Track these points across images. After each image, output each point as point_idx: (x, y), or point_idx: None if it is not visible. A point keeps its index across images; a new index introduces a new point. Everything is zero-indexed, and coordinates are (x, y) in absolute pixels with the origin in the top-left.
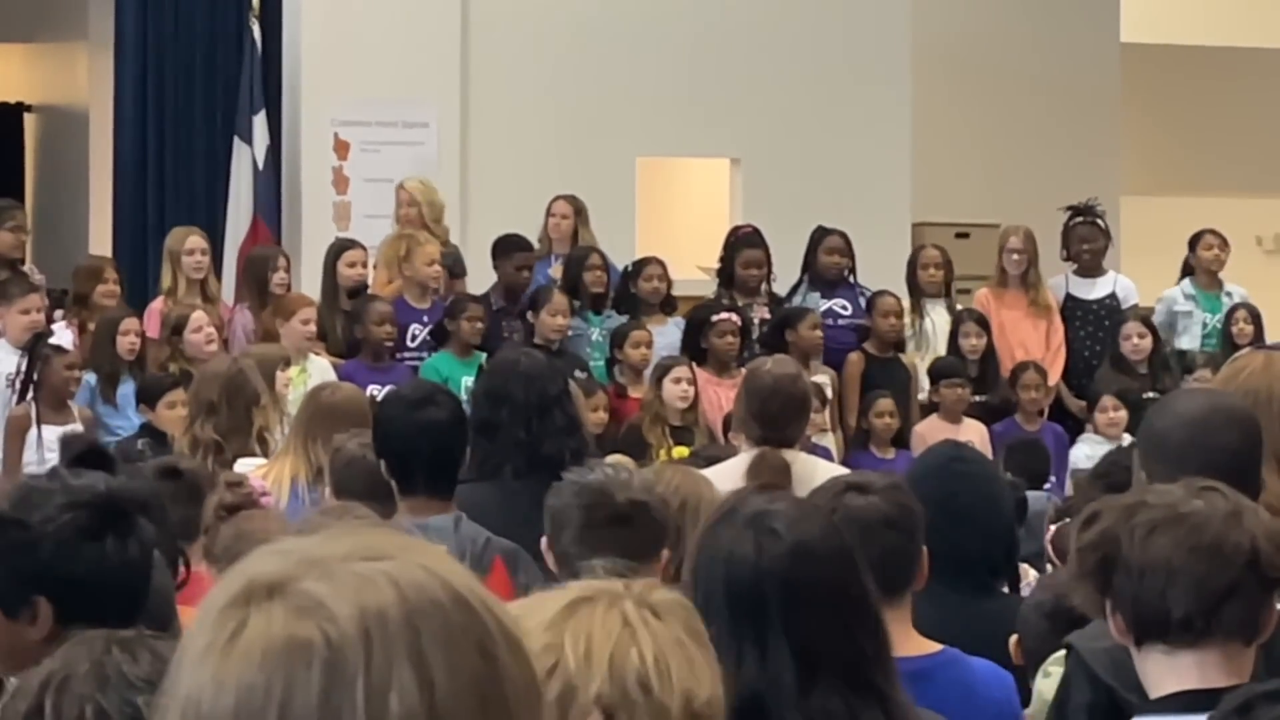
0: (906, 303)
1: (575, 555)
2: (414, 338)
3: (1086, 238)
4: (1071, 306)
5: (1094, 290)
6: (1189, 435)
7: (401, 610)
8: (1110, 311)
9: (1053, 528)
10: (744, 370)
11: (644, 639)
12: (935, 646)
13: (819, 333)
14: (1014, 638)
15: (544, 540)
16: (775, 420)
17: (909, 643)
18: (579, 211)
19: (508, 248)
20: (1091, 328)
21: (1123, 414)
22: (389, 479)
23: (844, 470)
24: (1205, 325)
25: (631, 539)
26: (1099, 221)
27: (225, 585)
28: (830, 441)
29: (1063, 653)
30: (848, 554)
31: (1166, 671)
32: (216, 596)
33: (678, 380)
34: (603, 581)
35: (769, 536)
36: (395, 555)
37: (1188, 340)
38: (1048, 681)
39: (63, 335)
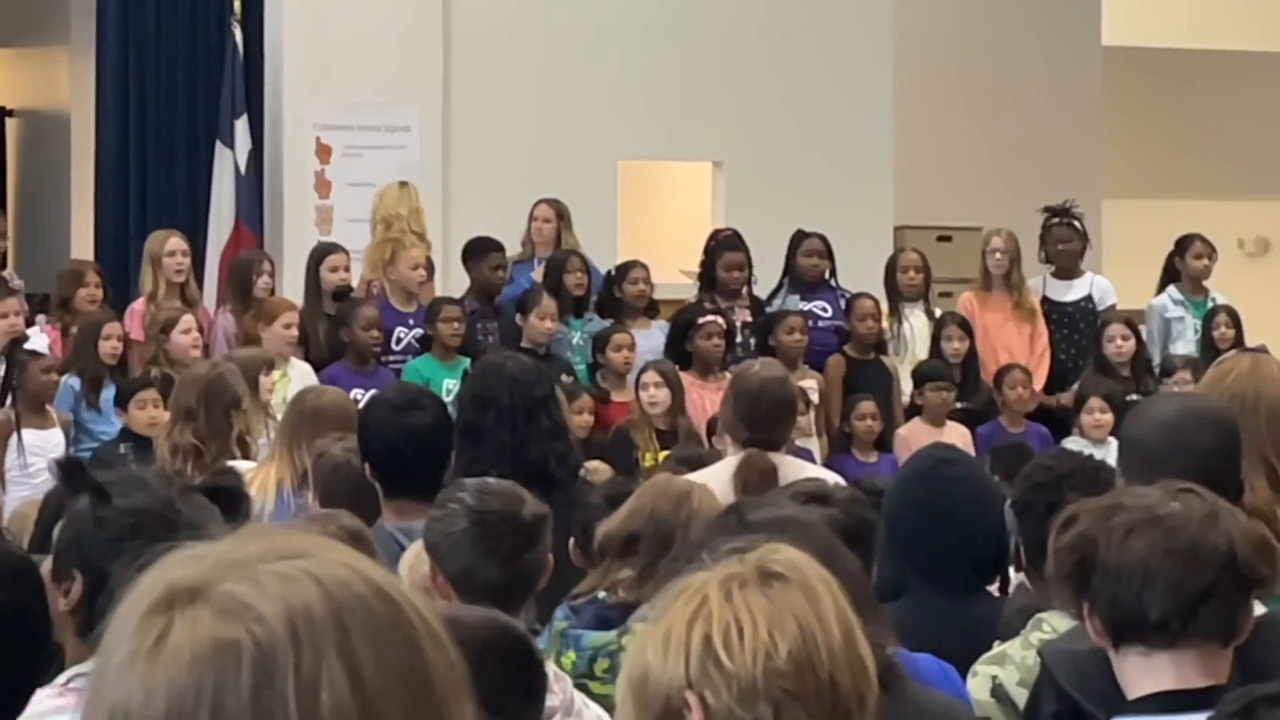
0: (884, 307)
1: (480, 575)
2: (399, 341)
3: (1062, 239)
4: (1048, 309)
5: (1070, 292)
6: (1164, 439)
7: (327, 606)
8: (1086, 314)
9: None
10: (729, 373)
11: (716, 614)
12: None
13: (796, 336)
14: (996, 643)
15: (427, 570)
16: (762, 423)
17: None
18: (561, 215)
19: (480, 249)
20: (1067, 330)
21: (1109, 416)
22: (373, 481)
23: (830, 474)
24: (1197, 330)
25: (535, 555)
26: (1075, 223)
27: (143, 592)
28: (815, 445)
29: (994, 651)
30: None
31: (1144, 672)
32: (135, 603)
33: (645, 386)
34: (709, 568)
35: None
36: (313, 553)
37: (1182, 346)
38: (975, 681)
39: (38, 339)
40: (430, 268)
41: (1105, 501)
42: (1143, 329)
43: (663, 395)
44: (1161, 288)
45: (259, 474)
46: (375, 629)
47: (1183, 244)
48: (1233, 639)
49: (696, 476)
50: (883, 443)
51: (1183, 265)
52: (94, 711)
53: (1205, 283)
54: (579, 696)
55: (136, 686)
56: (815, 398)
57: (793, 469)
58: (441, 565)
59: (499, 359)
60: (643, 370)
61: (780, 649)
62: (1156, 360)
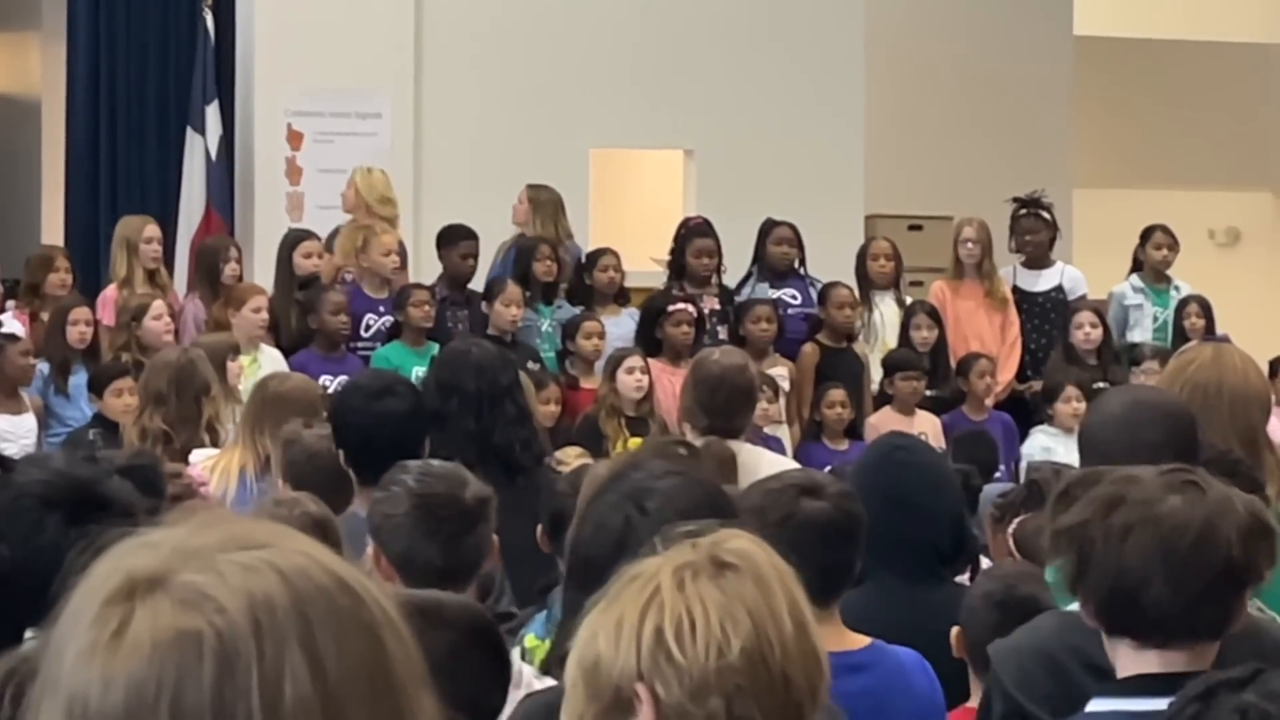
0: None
1: (419, 557)
2: (369, 328)
3: (1030, 229)
4: (1019, 299)
5: (1040, 282)
6: (1116, 433)
7: (289, 597)
8: (1056, 304)
9: (1015, 521)
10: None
11: (668, 605)
12: (864, 640)
13: (763, 325)
14: (955, 630)
15: (369, 551)
16: (722, 410)
17: (842, 639)
18: (534, 201)
19: (452, 237)
20: (1038, 320)
21: (1084, 405)
22: (346, 468)
23: (789, 462)
24: (1156, 319)
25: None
26: (1043, 213)
27: (100, 580)
28: (785, 434)
29: None
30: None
31: (1132, 660)
32: (92, 591)
33: (631, 370)
34: (661, 555)
35: (639, 514)
36: (271, 543)
37: (1139, 334)
38: None
39: (11, 324)
40: (403, 254)
41: (1106, 491)
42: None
43: (647, 381)
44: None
45: (222, 460)
46: (337, 621)
47: (1145, 234)
48: (1224, 633)
49: None
50: (853, 431)
51: (1144, 255)
52: (50, 700)
53: (1169, 272)
54: (528, 671)
55: (96, 678)
56: (786, 385)
57: (752, 457)
58: (384, 548)
59: (464, 346)
60: (621, 357)
61: (733, 643)
62: None
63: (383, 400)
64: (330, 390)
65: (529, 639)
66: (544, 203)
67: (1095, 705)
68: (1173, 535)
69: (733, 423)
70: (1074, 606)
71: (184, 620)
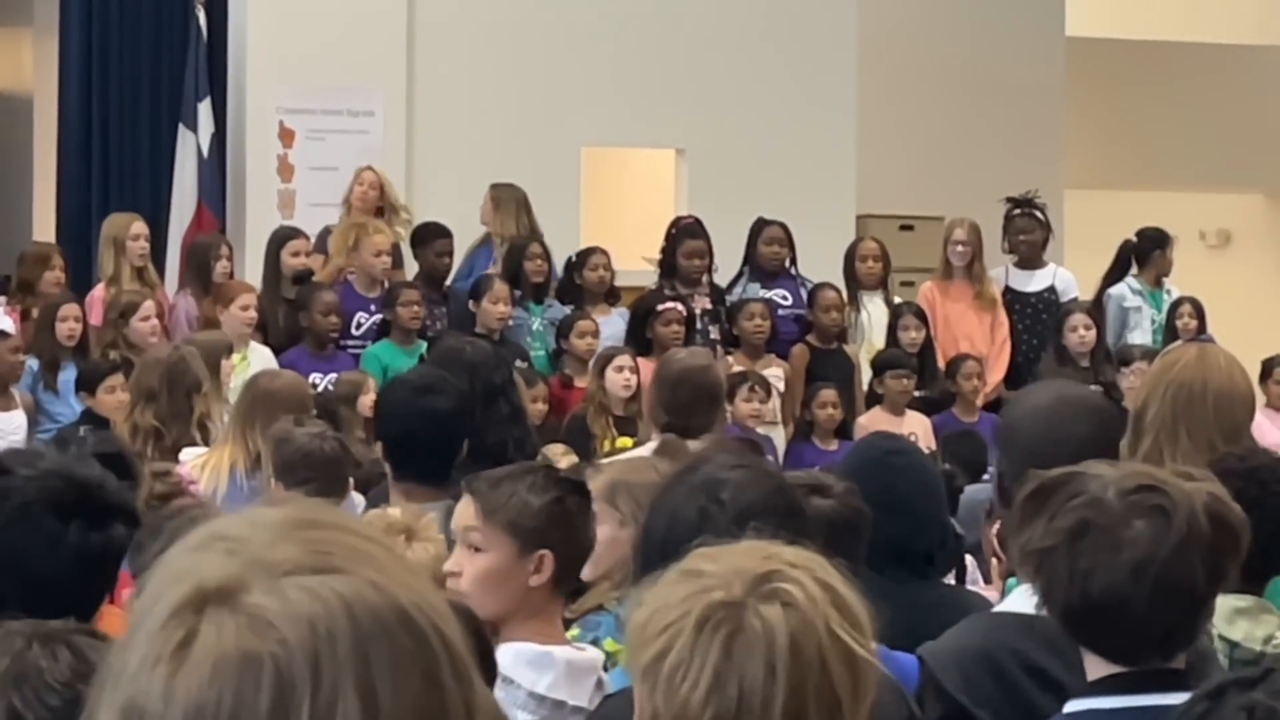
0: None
1: None
2: (359, 326)
3: (1024, 229)
4: (1010, 299)
5: (1032, 283)
6: (1038, 427)
7: (351, 635)
8: (1048, 305)
9: (999, 522)
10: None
11: (679, 643)
12: None
13: (757, 322)
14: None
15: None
16: (681, 410)
17: None
18: (495, 199)
19: (427, 235)
20: (1029, 320)
21: None
22: (385, 462)
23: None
24: (1153, 321)
25: None
26: (1037, 213)
27: (171, 583)
28: (779, 433)
29: None
30: (787, 525)
31: (1103, 665)
32: (163, 595)
33: (620, 369)
34: (722, 563)
35: (714, 505)
36: (346, 568)
37: (1139, 335)
38: None
39: (2, 321)
40: (396, 254)
41: (1070, 519)
42: None
43: (635, 380)
44: (1111, 278)
45: (212, 457)
46: (396, 663)
47: (1160, 239)
48: (1196, 640)
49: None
50: (843, 431)
51: (1159, 260)
52: (109, 700)
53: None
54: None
55: (157, 691)
56: (780, 385)
57: None
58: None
59: (459, 344)
60: (610, 355)
61: (705, 711)
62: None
63: (427, 397)
64: (320, 388)
65: (608, 643)
66: (504, 200)
67: (1071, 706)
68: (1140, 570)
69: (691, 422)
70: (1004, 605)
71: (246, 644)
